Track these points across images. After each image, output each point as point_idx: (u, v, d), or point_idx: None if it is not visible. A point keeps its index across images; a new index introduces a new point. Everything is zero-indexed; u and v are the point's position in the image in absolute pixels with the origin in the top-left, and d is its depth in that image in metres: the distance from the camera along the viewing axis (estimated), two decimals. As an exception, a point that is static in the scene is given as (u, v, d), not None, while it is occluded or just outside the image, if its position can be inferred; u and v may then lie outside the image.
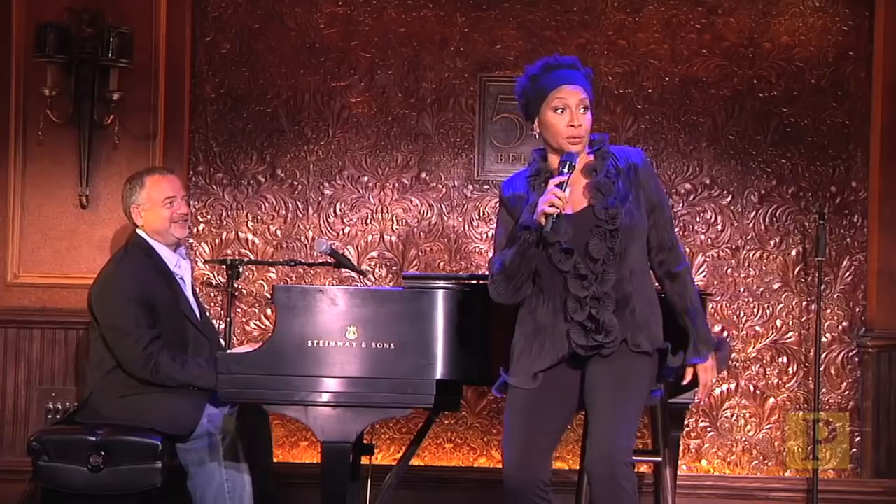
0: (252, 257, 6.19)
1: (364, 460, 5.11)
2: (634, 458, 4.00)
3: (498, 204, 4.18)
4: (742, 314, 6.26)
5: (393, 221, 6.26)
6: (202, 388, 4.91)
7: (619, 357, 3.98)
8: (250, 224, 6.25)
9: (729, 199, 6.28)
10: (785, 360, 6.25)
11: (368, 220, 6.25)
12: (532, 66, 4.09)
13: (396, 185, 6.26)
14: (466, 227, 6.26)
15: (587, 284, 3.95)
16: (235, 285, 5.89)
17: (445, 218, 6.26)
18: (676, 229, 6.14)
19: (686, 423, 5.93)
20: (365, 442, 5.18)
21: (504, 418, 4.07)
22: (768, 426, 6.24)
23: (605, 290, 3.95)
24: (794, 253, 6.26)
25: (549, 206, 3.86)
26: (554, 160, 4.05)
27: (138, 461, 4.84)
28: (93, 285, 5.09)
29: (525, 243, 3.95)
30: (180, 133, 6.11)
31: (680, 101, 6.26)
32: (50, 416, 5.87)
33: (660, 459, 4.56)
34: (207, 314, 5.54)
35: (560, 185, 3.90)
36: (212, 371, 4.80)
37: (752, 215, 6.27)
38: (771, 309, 6.26)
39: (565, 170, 3.94)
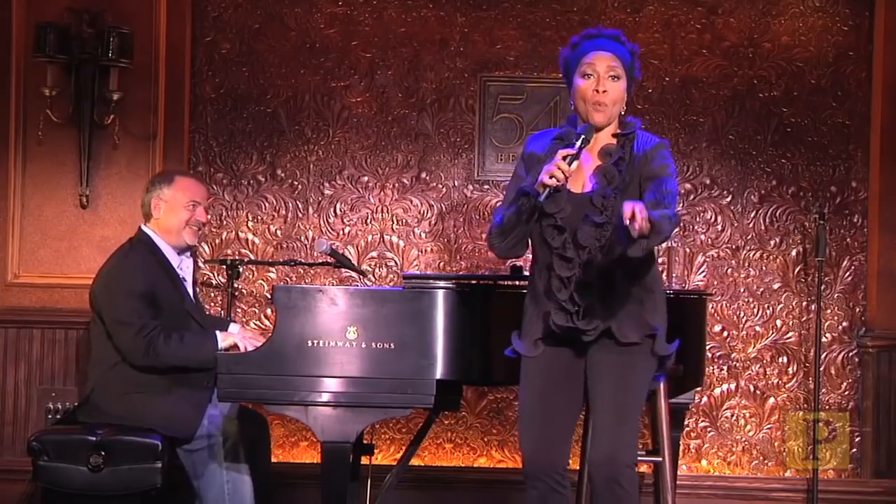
0: (252, 257, 6.19)
1: (364, 460, 5.12)
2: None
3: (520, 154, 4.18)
4: (742, 314, 6.26)
5: (393, 221, 6.26)
6: (204, 363, 4.87)
7: (617, 350, 3.97)
8: (250, 224, 6.25)
9: (729, 199, 6.28)
10: (785, 360, 6.25)
11: (368, 220, 6.26)
12: (576, 36, 4.08)
13: (396, 185, 6.26)
14: (466, 227, 6.26)
15: (571, 267, 3.95)
16: (235, 285, 5.89)
17: (445, 218, 6.26)
18: (676, 229, 6.16)
19: (686, 423, 5.93)
20: (365, 442, 5.18)
21: (519, 404, 4.07)
22: (768, 426, 6.24)
23: (588, 279, 3.94)
24: (794, 253, 6.26)
25: (549, 178, 3.84)
26: None
27: (138, 461, 4.84)
28: (95, 280, 5.09)
29: (522, 207, 3.96)
30: (180, 133, 6.11)
31: (680, 101, 6.26)
32: (50, 416, 5.87)
33: (660, 459, 4.55)
34: (208, 314, 5.53)
35: (566, 159, 3.86)
36: (210, 342, 4.90)
37: (752, 215, 6.27)
38: (771, 309, 6.26)
39: (577, 143, 3.91)
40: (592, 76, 3.98)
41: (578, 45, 4.04)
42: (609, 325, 3.95)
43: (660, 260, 6.06)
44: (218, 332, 5.00)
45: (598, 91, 3.96)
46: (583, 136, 3.92)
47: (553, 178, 3.83)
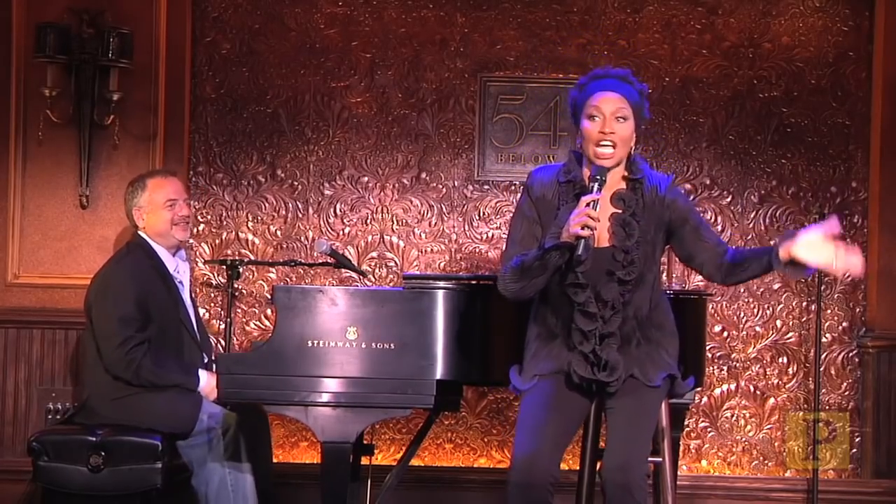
0: (252, 257, 6.19)
1: (364, 460, 5.12)
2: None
3: (522, 192, 4.11)
4: (742, 314, 6.26)
5: (393, 222, 6.26)
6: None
7: (635, 390, 3.99)
8: (250, 224, 6.25)
9: (729, 199, 6.28)
10: (785, 360, 6.25)
11: (368, 221, 6.26)
12: (584, 76, 4.06)
13: (396, 185, 6.26)
14: (466, 227, 6.26)
15: (594, 321, 3.94)
16: (235, 285, 5.88)
17: (445, 218, 6.26)
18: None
19: (686, 423, 5.93)
20: (365, 442, 5.18)
21: (520, 411, 4.05)
22: (768, 426, 6.24)
23: (610, 331, 3.95)
24: (794, 253, 6.26)
25: (582, 229, 3.79)
26: (588, 171, 3.99)
27: (138, 461, 4.84)
28: (91, 283, 5.09)
29: (551, 261, 3.90)
30: (180, 133, 6.11)
31: (680, 101, 6.26)
32: (50, 417, 5.87)
33: (660, 460, 4.55)
34: (203, 321, 5.52)
35: (590, 205, 3.81)
36: (193, 379, 4.96)
37: (752, 216, 6.27)
38: (771, 309, 6.26)
39: (595, 187, 3.87)
40: (598, 118, 3.94)
41: (586, 86, 4.00)
42: (632, 371, 3.97)
43: (661, 260, 6.06)
44: (202, 374, 5.02)
45: (604, 133, 3.92)
46: (599, 179, 3.88)
47: (586, 229, 3.79)
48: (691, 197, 6.25)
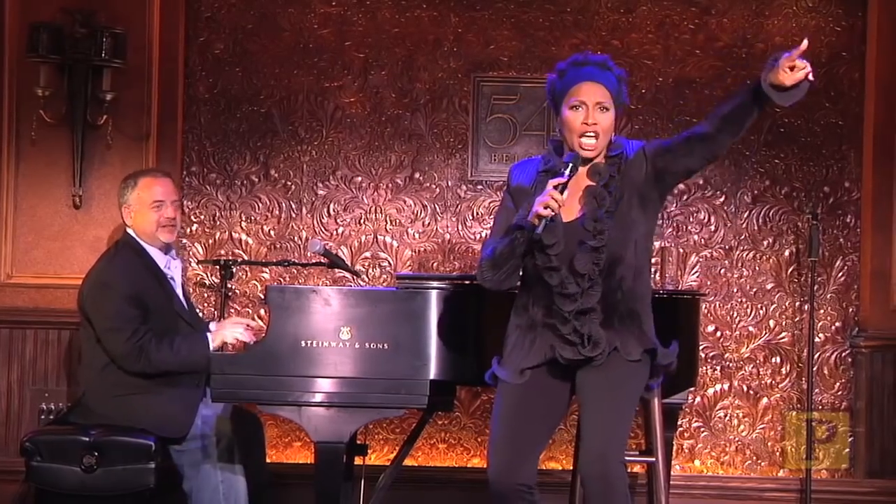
0: (245, 257, 6.19)
1: (357, 461, 5.12)
2: (629, 458, 3.98)
3: (505, 186, 4.14)
4: (735, 314, 6.26)
5: (386, 222, 6.26)
6: (196, 366, 4.88)
7: (612, 365, 3.94)
8: (244, 224, 6.25)
9: (722, 199, 6.28)
10: (778, 360, 6.26)
11: (362, 221, 6.26)
12: (562, 62, 4.04)
13: (390, 185, 6.26)
14: (460, 227, 6.26)
15: (572, 300, 3.92)
16: (229, 285, 5.88)
17: (439, 218, 6.26)
18: (670, 229, 6.18)
19: (679, 423, 5.94)
20: (358, 442, 5.18)
21: (492, 418, 4.06)
22: (762, 426, 6.25)
23: (590, 306, 3.91)
24: (787, 253, 6.27)
25: (544, 209, 3.80)
26: None
27: (131, 462, 4.84)
28: (83, 283, 5.08)
29: (516, 241, 3.92)
30: (174, 133, 6.11)
31: (673, 101, 6.27)
32: (43, 417, 5.87)
33: (653, 459, 4.55)
34: (199, 314, 5.52)
35: (558, 188, 3.83)
36: (202, 346, 4.88)
37: (745, 216, 6.28)
38: (764, 309, 6.27)
39: (566, 172, 3.86)
40: (581, 108, 3.93)
41: (566, 73, 3.99)
42: (615, 344, 3.92)
43: (653, 260, 6.07)
44: (209, 334, 5.00)
45: (587, 123, 3.92)
46: (571, 164, 3.88)
47: (548, 209, 3.80)
48: (685, 197, 6.25)
